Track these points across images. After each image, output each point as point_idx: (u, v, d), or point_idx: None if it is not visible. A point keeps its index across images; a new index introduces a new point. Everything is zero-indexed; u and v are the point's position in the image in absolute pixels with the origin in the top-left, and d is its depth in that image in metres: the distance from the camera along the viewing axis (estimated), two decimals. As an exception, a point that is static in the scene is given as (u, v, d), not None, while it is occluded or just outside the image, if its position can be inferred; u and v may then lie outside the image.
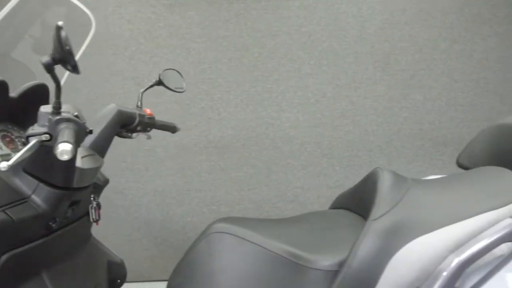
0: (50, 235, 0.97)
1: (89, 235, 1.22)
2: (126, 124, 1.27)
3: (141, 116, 1.31)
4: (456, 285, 0.86)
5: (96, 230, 2.60)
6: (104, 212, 2.63)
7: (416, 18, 2.50)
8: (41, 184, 0.91)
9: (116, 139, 1.31)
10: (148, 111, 1.37)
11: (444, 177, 1.09)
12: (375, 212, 0.94)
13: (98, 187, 1.21)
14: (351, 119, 2.54)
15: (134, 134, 1.33)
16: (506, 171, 0.98)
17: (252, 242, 0.97)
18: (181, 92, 1.51)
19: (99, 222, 1.14)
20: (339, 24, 2.52)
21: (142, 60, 2.60)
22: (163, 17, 2.58)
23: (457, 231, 0.88)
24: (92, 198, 1.14)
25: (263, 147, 2.59)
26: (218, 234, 1.01)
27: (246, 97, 2.59)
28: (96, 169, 1.07)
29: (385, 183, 1.00)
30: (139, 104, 1.38)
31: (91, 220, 1.12)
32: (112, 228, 2.61)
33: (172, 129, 1.48)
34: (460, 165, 1.22)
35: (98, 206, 1.15)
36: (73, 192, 0.99)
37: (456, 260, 0.85)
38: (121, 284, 1.26)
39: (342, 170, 2.56)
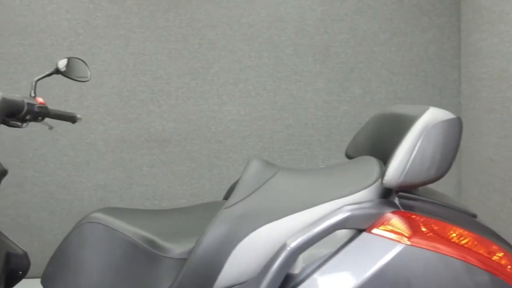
0: None
1: None
2: (13, 113, 1.22)
3: (30, 105, 1.27)
4: (295, 272, 0.87)
5: (40, 225, 2.56)
6: (49, 207, 2.61)
7: (356, 9, 2.47)
8: None
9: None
10: (39, 100, 1.32)
11: (322, 167, 1.09)
12: (230, 200, 0.95)
13: None
14: (291, 113, 2.52)
15: (24, 124, 1.28)
16: (372, 160, 0.97)
17: (117, 231, 0.98)
18: (84, 81, 1.48)
19: None
20: (279, 15, 2.48)
21: (81, 51, 2.55)
22: (102, 6, 2.52)
23: (301, 219, 0.88)
24: None
25: (205, 141, 2.56)
26: (89, 224, 1.02)
27: (187, 90, 2.55)
28: None
29: (248, 172, 1.00)
30: (32, 93, 1.34)
31: None
32: (57, 222, 2.58)
33: (71, 119, 1.43)
34: (347, 155, 1.21)
35: None
36: None
37: (287, 247, 0.85)
38: (23, 275, 1.26)
39: (284, 164, 2.54)
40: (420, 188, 0.98)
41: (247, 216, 0.91)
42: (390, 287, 0.80)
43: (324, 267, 0.84)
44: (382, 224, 0.84)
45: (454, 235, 0.85)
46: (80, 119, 1.47)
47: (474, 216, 0.96)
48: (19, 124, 1.26)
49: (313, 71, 2.48)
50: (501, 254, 0.84)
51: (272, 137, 2.54)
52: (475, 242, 0.84)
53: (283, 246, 0.85)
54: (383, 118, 1.05)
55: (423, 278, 0.80)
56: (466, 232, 0.86)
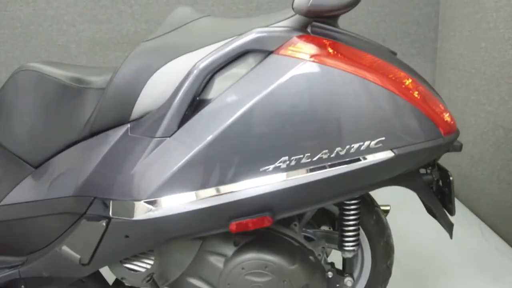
0: None
1: None
2: None
3: None
4: (208, 97, 0.88)
5: None
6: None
7: None
8: None
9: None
10: None
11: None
12: (150, 36, 0.97)
13: None
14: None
15: None
16: None
17: (49, 76, 1.00)
18: None
19: None
20: None
21: None
22: None
23: (215, 46, 0.89)
24: None
25: (178, 42, 2.51)
26: (23, 72, 1.02)
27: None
28: None
29: (172, 14, 1.01)
30: None
31: None
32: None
33: None
34: None
35: None
36: None
37: (196, 67, 0.86)
38: None
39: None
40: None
41: (165, 48, 0.92)
42: (290, 101, 0.82)
43: (230, 89, 0.86)
44: (290, 45, 0.84)
45: (364, 60, 0.85)
46: None
47: (394, 53, 0.95)
48: None
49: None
50: (408, 81, 0.85)
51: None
52: (384, 67, 0.85)
53: (192, 67, 0.87)
54: None
55: (323, 93, 0.81)
56: (377, 59, 0.86)
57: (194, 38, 0.93)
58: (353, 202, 1.02)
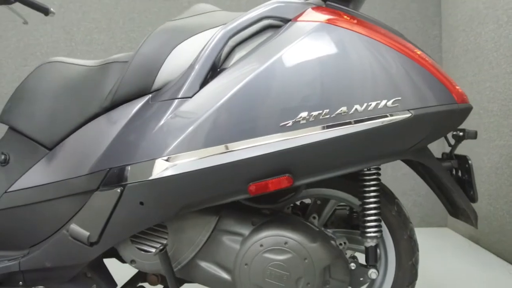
0: None
1: None
2: None
3: None
4: (227, 66, 0.91)
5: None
6: None
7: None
8: None
9: None
10: None
11: None
12: (174, 18, 1.02)
13: None
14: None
15: None
16: None
17: (74, 64, 1.04)
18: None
19: None
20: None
21: (72, 9, 2.62)
22: (93, -33, 2.61)
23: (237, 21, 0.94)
24: None
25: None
26: (48, 64, 1.06)
27: (175, 47, 2.61)
28: None
29: (195, 6, 1.06)
30: None
31: None
32: None
33: (43, 10, 1.47)
34: None
35: None
36: None
37: (221, 31, 0.90)
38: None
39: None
40: None
41: (186, 27, 0.97)
42: (309, 58, 0.84)
43: (251, 55, 0.89)
44: (308, 14, 0.89)
45: (378, 29, 0.88)
46: (53, 13, 1.50)
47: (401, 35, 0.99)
48: None
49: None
50: (419, 51, 0.88)
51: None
52: (396, 38, 0.88)
53: (215, 33, 0.91)
54: None
55: (339, 52, 0.84)
56: (389, 32, 0.90)
57: (213, 20, 0.99)
58: (372, 177, 0.99)
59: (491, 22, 1.93)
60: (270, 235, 0.93)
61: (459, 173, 1.00)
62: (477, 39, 2.06)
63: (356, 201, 1.10)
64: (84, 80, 1.02)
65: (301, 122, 0.84)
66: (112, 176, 0.93)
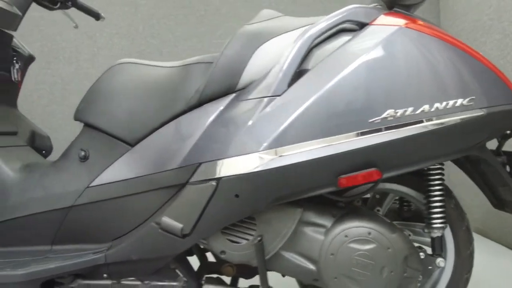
0: None
1: (14, 101, 1.35)
2: None
3: None
4: (308, 67, 0.98)
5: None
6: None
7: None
8: None
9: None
10: None
11: None
12: (252, 21, 1.08)
13: (21, 57, 1.34)
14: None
15: (55, 6, 1.38)
16: None
17: (147, 65, 1.10)
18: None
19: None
20: (279, -16, 2.73)
21: (94, 16, 2.73)
22: (114, -25, 2.73)
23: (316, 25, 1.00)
24: (14, 60, 1.28)
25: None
26: (120, 65, 1.11)
27: (193, 52, 2.73)
28: (12, 15, 1.18)
29: (262, 11, 1.12)
30: None
31: (13, 79, 1.26)
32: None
33: (95, 15, 1.56)
34: None
35: (21, 70, 1.29)
36: None
37: (306, 34, 0.96)
38: (46, 155, 1.38)
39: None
40: None
41: (265, 29, 1.03)
42: (392, 60, 0.91)
43: (335, 53, 0.95)
44: (383, 18, 0.97)
45: (446, 35, 0.97)
46: (104, 18, 1.58)
47: None
48: (51, 5, 1.36)
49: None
50: (481, 55, 0.96)
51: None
52: (462, 42, 0.97)
53: (299, 36, 0.97)
54: None
55: (419, 53, 0.91)
56: (453, 37, 0.98)
57: (287, 23, 1.06)
58: (438, 171, 1.07)
59: (496, 33, 2.11)
60: (354, 226, 0.98)
61: (507, 168, 1.08)
62: (481, 48, 2.24)
63: (417, 195, 1.15)
64: (165, 80, 1.07)
65: (389, 118, 0.90)
66: (203, 170, 0.97)
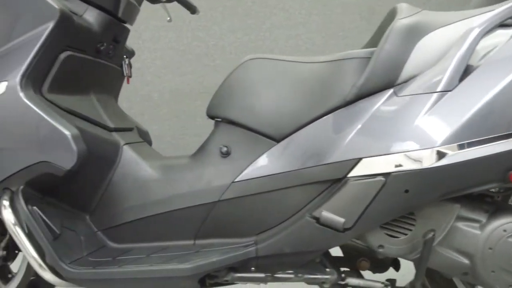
0: (97, 59, 1.17)
1: (117, 96, 1.39)
2: None
3: None
4: (474, 62, 0.96)
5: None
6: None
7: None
8: (91, 7, 1.12)
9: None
10: None
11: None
12: (399, 16, 1.04)
13: (128, 52, 1.38)
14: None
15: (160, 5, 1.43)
16: None
17: (284, 60, 1.08)
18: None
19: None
20: (329, -24, 2.67)
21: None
22: (156, -38, 2.58)
23: (474, 18, 0.98)
24: (125, 56, 1.33)
25: (256, 92, 2.76)
26: (251, 60, 1.10)
27: (240, 45, 2.71)
28: (134, 7, 1.23)
29: (399, 5, 1.09)
30: None
31: (124, 74, 1.31)
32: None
33: (192, 8, 1.58)
34: None
35: (130, 65, 1.34)
36: (117, 23, 1.21)
37: (476, 29, 0.94)
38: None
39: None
40: None
41: (421, 22, 1.01)
42: None
43: (500, 51, 0.94)
44: None
45: None
46: (199, 12, 1.60)
47: None
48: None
49: (360, 28, 2.72)
50: None
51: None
52: None
53: (468, 29, 0.95)
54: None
55: None
56: None
57: (442, 17, 1.03)
58: None
59: None
60: (511, 221, 0.99)
61: None
62: None
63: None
64: (314, 76, 1.07)
65: None
66: (365, 165, 0.97)
